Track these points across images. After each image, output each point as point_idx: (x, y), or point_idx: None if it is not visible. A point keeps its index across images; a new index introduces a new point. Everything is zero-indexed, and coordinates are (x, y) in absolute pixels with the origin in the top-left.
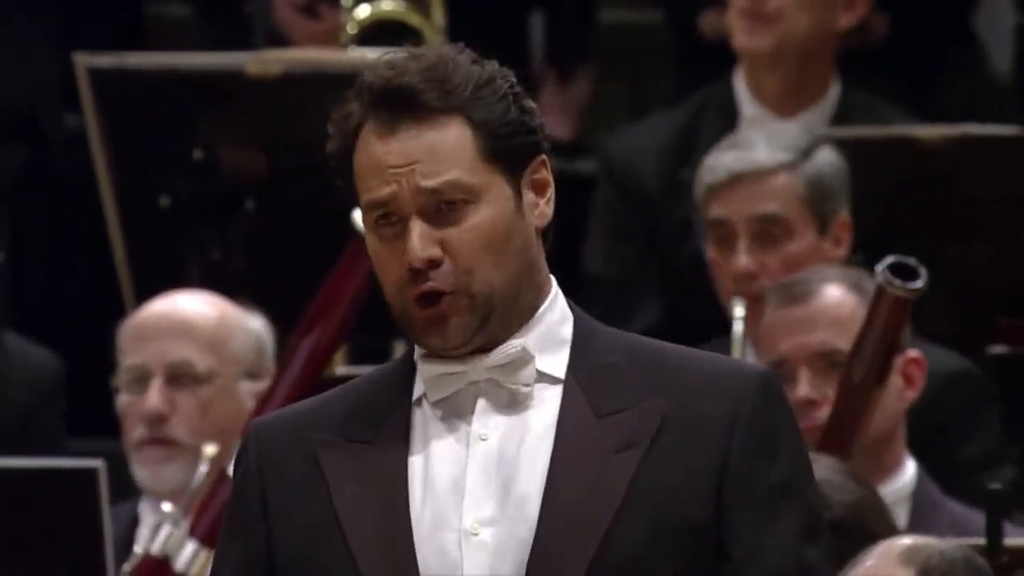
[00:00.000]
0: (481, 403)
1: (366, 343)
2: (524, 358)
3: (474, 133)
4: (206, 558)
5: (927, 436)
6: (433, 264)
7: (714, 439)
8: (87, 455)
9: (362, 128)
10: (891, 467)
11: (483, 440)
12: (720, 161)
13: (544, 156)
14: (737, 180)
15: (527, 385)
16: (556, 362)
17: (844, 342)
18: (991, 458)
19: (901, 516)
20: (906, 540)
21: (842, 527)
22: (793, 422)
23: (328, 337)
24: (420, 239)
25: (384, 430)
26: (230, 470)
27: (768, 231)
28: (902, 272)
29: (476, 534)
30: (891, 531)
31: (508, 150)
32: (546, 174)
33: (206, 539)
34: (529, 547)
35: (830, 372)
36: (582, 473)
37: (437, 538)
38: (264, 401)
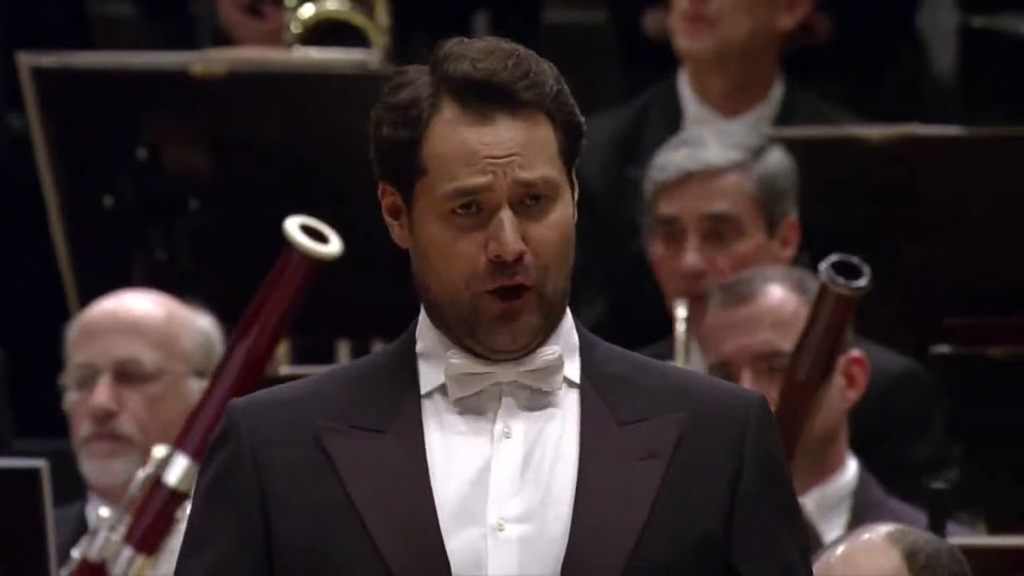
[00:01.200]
0: (506, 401)
1: (309, 343)
2: (557, 365)
3: (555, 132)
4: (141, 564)
5: (875, 436)
6: (520, 258)
7: (726, 457)
8: (33, 455)
9: (437, 115)
10: (833, 466)
11: (507, 438)
12: (671, 159)
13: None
14: (688, 178)
15: (550, 390)
16: (573, 367)
17: (787, 343)
18: (939, 458)
19: (842, 515)
20: (887, 526)
21: None
22: (782, 446)
23: (263, 344)
24: (513, 231)
25: (394, 420)
26: (166, 477)
27: (718, 230)
28: (845, 271)
29: (502, 530)
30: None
31: (573, 153)
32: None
33: (141, 545)
34: (562, 547)
35: (772, 374)
36: (611, 478)
37: (461, 532)
38: (203, 403)
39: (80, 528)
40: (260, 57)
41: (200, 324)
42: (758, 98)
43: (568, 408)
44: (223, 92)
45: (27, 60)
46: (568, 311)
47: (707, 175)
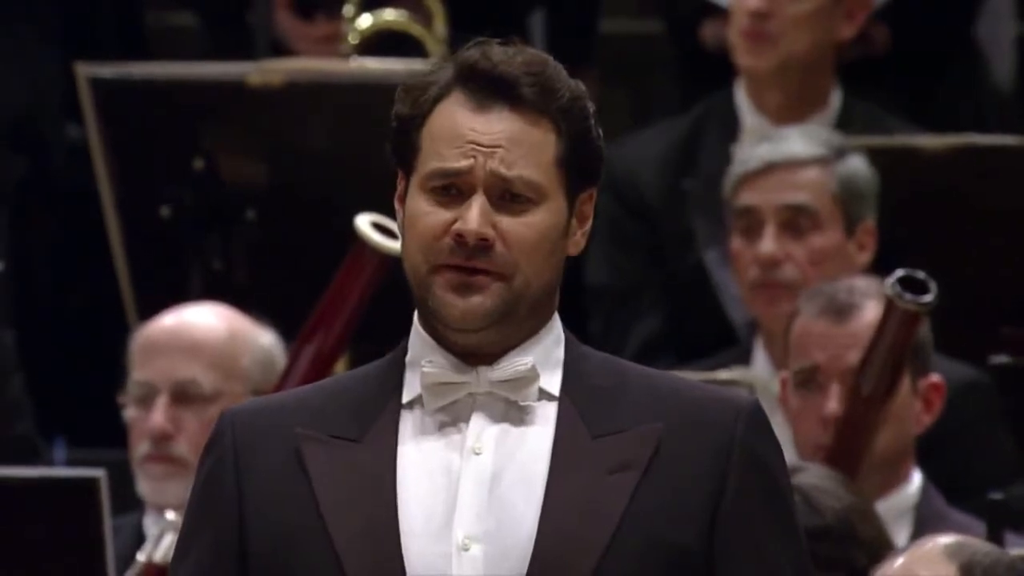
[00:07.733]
0: (477, 415)
1: (368, 351)
2: (530, 376)
3: (557, 140)
4: None
5: (939, 446)
6: (483, 244)
7: (708, 467)
8: (92, 465)
9: (445, 99)
10: (898, 481)
11: (477, 454)
12: (754, 152)
13: (594, 190)
14: (770, 169)
15: (526, 402)
16: (552, 381)
17: None
18: (1005, 468)
19: (904, 527)
20: (947, 538)
21: (831, 533)
22: (781, 454)
23: (331, 343)
24: (480, 214)
25: (371, 430)
26: None
27: (796, 221)
28: (912, 286)
29: (467, 549)
30: (880, 537)
31: (578, 168)
32: (590, 208)
33: None
34: (524, 565)
35: None
36: (578, 494)
37: (426, 549)
38: None
39: (138, 539)
40: (317, 67)
41: (262, 341)
42: (816, 108)
43: (544, 422)
44: (280, 102)
45: (85, 71)
46: (560, 327)
47: (789, 166)
